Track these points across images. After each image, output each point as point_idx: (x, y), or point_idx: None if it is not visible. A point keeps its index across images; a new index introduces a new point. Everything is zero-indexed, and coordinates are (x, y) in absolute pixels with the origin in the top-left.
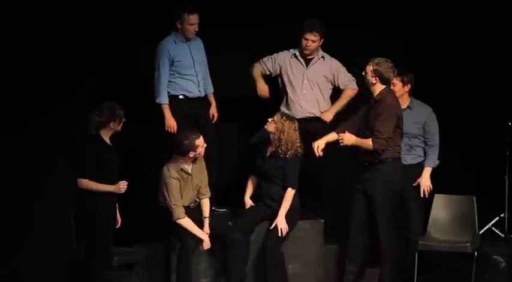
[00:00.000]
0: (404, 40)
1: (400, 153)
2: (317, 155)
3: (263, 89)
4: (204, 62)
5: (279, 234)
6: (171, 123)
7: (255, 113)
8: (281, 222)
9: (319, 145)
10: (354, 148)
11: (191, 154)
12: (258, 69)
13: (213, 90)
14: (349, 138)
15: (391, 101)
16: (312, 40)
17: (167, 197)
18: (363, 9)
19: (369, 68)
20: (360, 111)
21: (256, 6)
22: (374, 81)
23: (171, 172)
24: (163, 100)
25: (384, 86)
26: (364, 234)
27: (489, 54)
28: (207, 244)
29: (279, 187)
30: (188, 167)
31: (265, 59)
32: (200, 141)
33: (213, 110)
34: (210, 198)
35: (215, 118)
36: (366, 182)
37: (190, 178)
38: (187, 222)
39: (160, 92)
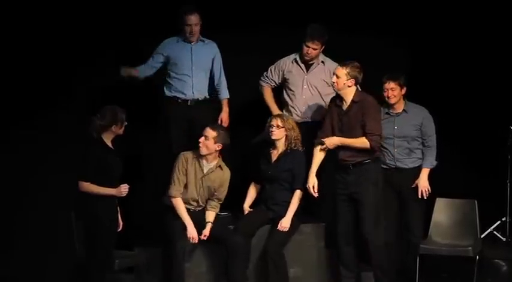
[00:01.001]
0: (406, 43)
1: (380, 152)
2: (315, 195)
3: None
4: (207, 66)
5: (281, 231)
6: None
7: (256, 116)
8: (287, 223)
9: (314, 184)
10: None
11: None
12: (268, 91)
13: (227, 96)
14: (332, 141)
15: (373, 100)
16: (313, 48)
17: (172, 173)
18: (363, 13)
19: (342, 72)
20: (333, 116)
21: (258, 9)
22: (350, 84)
23: (186, 155)
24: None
25: (356, 88)
26: (354, 238)
27: (491, 58)
28: (190, 234)
29: (285, 191)
30: (206, 165)
31: (269, 74)
32: None
33: (223, 116)
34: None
35: (224, 124)
36: (350, 185)
37: (202, 177)
38: (179, 203)
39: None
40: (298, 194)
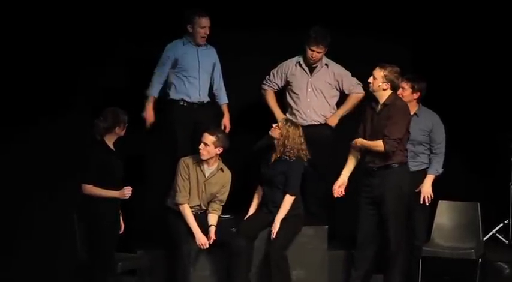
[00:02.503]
0: (410, 46)
1: (407, 157)
2: (335, 194)
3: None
4: (210, 70)
5: (272, 237)
6: (148, 115)
7: (258, 119)
8: (274, 227)
9: (340, 184)
10: (364, 153)
11: None
12: (271, 95)
13: (227, 101)
14: (357, 142)
15: (403, 104)
16: (318, 51)
17: (176, 180)
18: (369, 15)
19: (379, 74)
20: (367, 117)
21: (259, 10)
22: (385, 87)
23: (187, 161)
24: (152, 92)
25: (392, 91)
26: (373, 242)
27: (493, 61)
28: (199, 240)
29: (283, 194)
30: (207, 169)
31: (271, 78)
32: None
33: (226, 121)
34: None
35: (227, 129)
36: (375, 189)
37: (205, 181)
38: (186, 210)
39: (152, 84)
40: (288, 198)
